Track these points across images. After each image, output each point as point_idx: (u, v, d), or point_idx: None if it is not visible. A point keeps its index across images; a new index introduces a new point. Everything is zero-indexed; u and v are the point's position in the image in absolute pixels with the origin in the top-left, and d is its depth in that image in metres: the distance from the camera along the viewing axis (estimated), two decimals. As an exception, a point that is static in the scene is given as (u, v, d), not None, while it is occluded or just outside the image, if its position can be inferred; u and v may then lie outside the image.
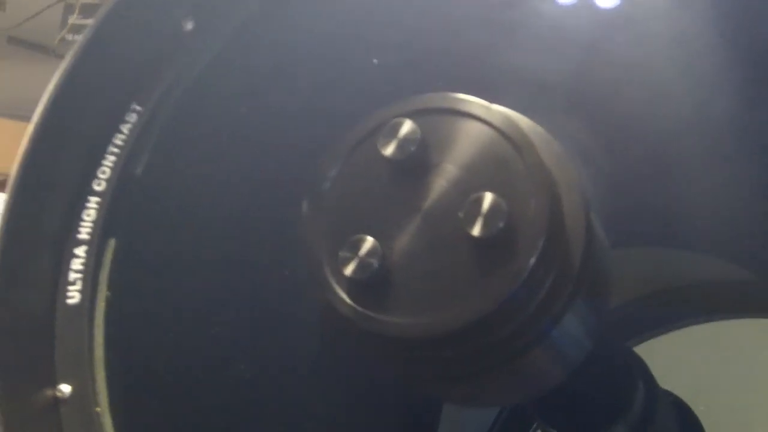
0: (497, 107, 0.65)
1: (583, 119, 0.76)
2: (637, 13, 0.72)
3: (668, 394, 1.08)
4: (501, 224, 0.59)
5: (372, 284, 0.62)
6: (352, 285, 0.62)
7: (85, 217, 0.76)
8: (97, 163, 0.77)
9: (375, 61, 0.78)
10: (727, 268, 1.03)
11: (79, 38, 0.75)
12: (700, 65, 0.73)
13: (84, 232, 0.76)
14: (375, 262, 0.61)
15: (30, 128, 0.73)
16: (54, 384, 0.73)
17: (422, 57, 0.78)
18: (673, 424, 1.06)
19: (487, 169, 0.62)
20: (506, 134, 0.62)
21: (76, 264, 0.76)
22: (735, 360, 1.39)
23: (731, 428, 1.36)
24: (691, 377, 1.33)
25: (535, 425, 1.08)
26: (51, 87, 0.74)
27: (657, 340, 1.28)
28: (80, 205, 0.77)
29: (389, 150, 0.63)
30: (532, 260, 0.60)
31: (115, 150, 0.78)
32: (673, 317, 1.27)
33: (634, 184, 0.80)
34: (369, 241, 0.61)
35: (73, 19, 3.36)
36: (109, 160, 0.77)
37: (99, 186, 0.77)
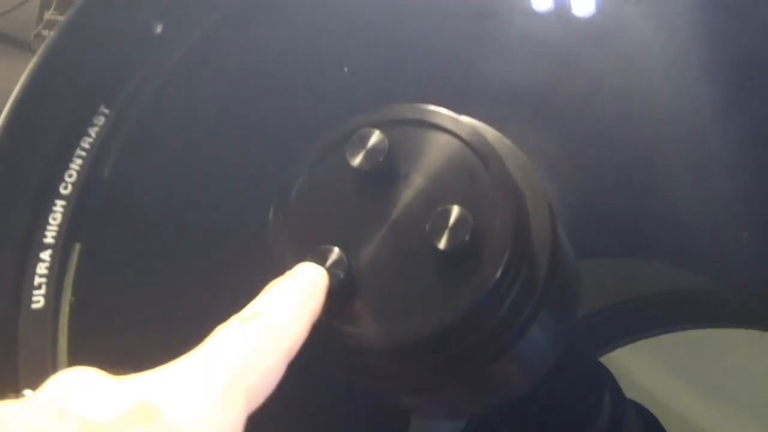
0: (465, 119, 0.65)
1: (552, 131, 0.76)
2: (607, 25, 0.73)
3: (635, 405, 1.09)
4: (467, 237, 0.59)
5: (338, 295, 0.61)
6: None
7: (51, 221, 0.76)
8: (64, 167, 0.77)
9: (345, 69, 0.78)
10: (695, 277, 1.04)
11: (46, 39, 0.75)
12: (670, 78, 0.73)
13: (50, 236, 0.76)
14: (341, 274, 0.61)
15: (-5, 131, 0.72)
16: (17, 389, 0.73)
17: (394, 67, 0.78)
18: (640, 434, 1.07)
19: (454, 180, 0.62)
20: (473, 146, 0.62)
21: (42, 268, 0.75)
22: (704, 369, 1.40)
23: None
24: (658, 387, 1.34)
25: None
26: (17, 89, 0.73)
27: (624, 350, 1.29)
28: (47, 209, 0.76)
29: (357, 160, 0.63)
30: (498, 272, 0.60)
31: (82, 153, 0.77)
32: (640, 327, 1.28)
33: (604, 195, 0.80)
34: (335, 252, 0.61)
35: (49, 15, 3.34)
36: (76, 164, 0.77)
37: (65, 189, 0.77)
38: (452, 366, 0.65)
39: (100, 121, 0.78)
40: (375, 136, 0.63)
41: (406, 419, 0.97)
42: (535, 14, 0.74)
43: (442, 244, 0.59)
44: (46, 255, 0.76)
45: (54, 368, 0.74)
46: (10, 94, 0.74)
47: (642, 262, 0.92)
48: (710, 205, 0.78)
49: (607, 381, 0.99)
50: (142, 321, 0.79)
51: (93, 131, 0.78)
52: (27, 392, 0.72)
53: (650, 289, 1.19)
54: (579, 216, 0.73)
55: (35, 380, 0.72)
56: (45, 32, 3.52)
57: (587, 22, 0.72)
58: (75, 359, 0.74)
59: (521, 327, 0.65)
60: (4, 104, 0.75)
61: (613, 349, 1.30)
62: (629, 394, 1.02)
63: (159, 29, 0.79)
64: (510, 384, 0.72)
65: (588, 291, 1.02)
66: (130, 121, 0.79)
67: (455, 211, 0.59)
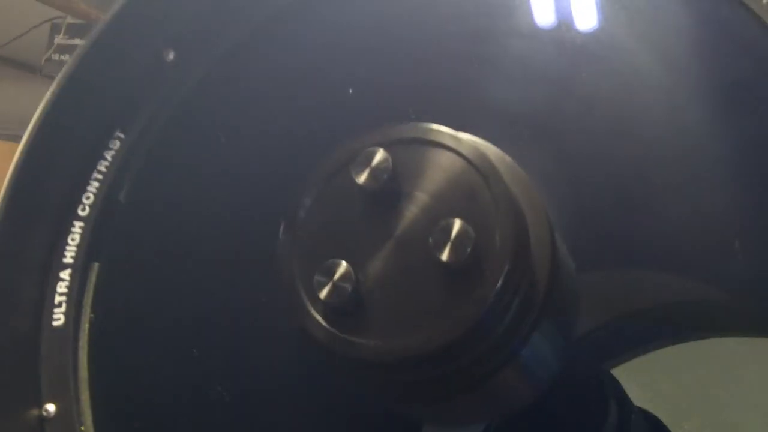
0: (467, 137, 0.67)
1: (549, 149, 0.78)
2: (602, 47, 0.75)
3: (644, 413, 1.10)
4: (468, 250, 0.61)
5: (346, 308, 0.63)
6: (327, 309, 0.64)
7: (70, 242, 0.78)
8: (82, 189, 0.79)
9: (350, 90, 0.80)
10: (699, 287, 1.05)
11: (63, 67, 0.77)
12: (662, 97, 0.75)
13: (69, 256, 0.78)
14: (348, 287, 0.62)
15: (16, 155, 0.75)
16: (39, 404, 0.75)
17: (396, 90, 0.80)
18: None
19: (456, 196, 0.64)
20: (474, 163, 0.64)
21: (62, 287, 0.78)
22: (711, 378, 1.41)
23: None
24: (668, 396, 1.35)
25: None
26: (36, 115, 0.75)
27: (633, 361, 1.29)
28: (65, 230, 0.79)
29: (362, 178, 0.64)
30: (499, 284, 0.61)
31: (99, 176, 0.80)
32: (647, 338, 1.28)
33: (601, 209, 0.82)
34: (343, 266, 0.63)
35: (59, 39, 3.37)
36: (93, 186, 0.80)
37: (83, 211, 0.79)
38: (458, 376, 0.66)
39: (116, 145, 0.81)
40: (379, 155, 0.65)
41: (418, 428, 0.99)
42: (531, 38, 0.76)
43: (444, 257, 0.61)
44: (65, 274, 0.78)
45: (75, 383, 0.76)
46: (22, 117, 0.76)
47: (639, 272, 0.94)
48: (703, 217, 0.79)
49: (612, 390, 0.99)
50: (160, 337, 0.81)
51: (109, 155, 0.80)
52: (49, 406, 0.75)
53: (659, 300, 1.20)
54: (577, 230, 0.75)
55: (57, 395, 0.75)
56: (56, 56, 3.55)
57: (582, 44, 0.75)
58: (96, 374, 0.76)
59: (524, 336, 0.66)
60: (17, 126, 0.77)
61: (625, 360, 1.31)
62: (641, 404, 1.03)
63: (171, 56, 0.81)
64: (515, 393, 0.74)
65: (591, 305, 1.03)
66: (145, 145, 0.81)
67: (457, 224, 0.61)
